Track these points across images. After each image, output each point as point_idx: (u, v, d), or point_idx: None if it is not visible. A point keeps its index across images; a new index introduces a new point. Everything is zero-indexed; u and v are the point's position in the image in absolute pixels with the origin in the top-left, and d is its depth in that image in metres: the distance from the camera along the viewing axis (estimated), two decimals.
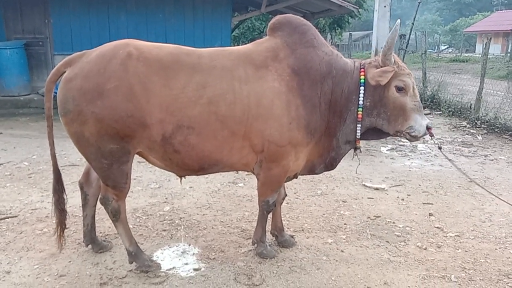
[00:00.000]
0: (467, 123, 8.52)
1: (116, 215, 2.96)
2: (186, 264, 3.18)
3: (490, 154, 6.44)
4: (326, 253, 3.37)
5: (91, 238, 3.28)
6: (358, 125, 2.95)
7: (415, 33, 21.36)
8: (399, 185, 5.02)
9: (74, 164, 5.63)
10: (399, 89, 2.86)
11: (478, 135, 7.64)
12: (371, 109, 2.92)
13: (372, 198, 4.58)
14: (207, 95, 2.72)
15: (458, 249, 3.47)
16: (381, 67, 2.85)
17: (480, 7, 55.76)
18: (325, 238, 3.61)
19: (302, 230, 3.76)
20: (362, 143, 3.11)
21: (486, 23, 39.36)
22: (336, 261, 3.26)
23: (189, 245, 3.46)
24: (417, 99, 2.93)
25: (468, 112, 8.96)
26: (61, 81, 2.74)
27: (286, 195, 3.47)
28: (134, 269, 3.06)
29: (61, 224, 3.02)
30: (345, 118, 2.95)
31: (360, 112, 2.91)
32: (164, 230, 3.71)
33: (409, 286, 2.95)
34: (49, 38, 10.46)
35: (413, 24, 12.90)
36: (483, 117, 8.30)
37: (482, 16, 44.23)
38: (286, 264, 3.19)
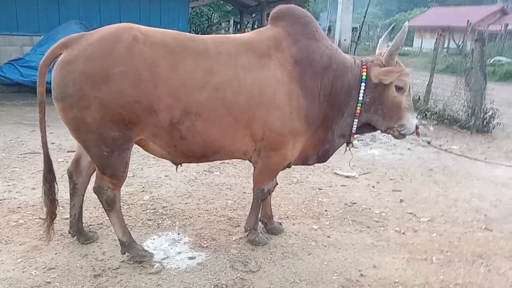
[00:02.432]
0: (418, 114, 9.01)
1: (111, 205, 2.87)
2: (179, 253, 3.15)
3: (443, 144, 6.88)
4: (314, 239, 3.47)
5: (78, 228, 3.15)
6: (355, 120, 3.06)
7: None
8: (367, 173, 5.25)
9: (35, 151, 5.32)
10: (398, 88, 3.00)
11: (430, 126, 8.12)
12: (369, 105, 3.04)
13: (345, 186, 4.76)
14: (214, 82, 2.70)
15: (433, 233, 3.72)
16: (384, 66, 2.96)
17: (417, 2, 58.59)
18: (310, 225, 3.73)
19: (287, 217, 3.85)
20: None
21: (423, 19, 41.44)
22: (325, 246, 3.38)
23: (178, 234, 3.43)
24: (411, 98, 3.10)
25: (418, 104, 9.47)
26: (57, 64, 2.59)
27: (277, 184, 3.53)
28: (127, 259, 2.99)
29: (51, 215, 2.87)
30: (343, 112, 3.05)
31: (359, 108, 3.02)
32: (149, 220, 3.64)
33: (396, 269, 3.13)
34: None
35: (364, 17, 13.35)
36: (432, 109, 8.82)
37: (419, 11, 46.52)
38: (278, 251, 3.26)
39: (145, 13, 10.48)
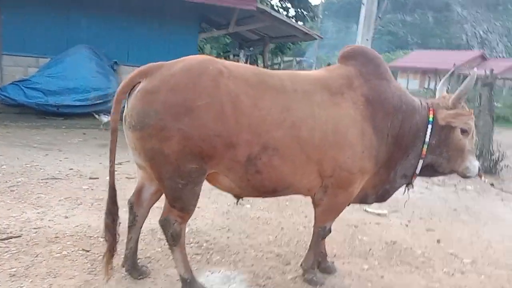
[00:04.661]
0: None
1: (176, 239, 2.76)
2: None
3: (457, 184, 6.94)
4: (368, 280, 3.39)
5: (132, 262, 3.01)
6: (420, 161, 3.06)
7: None
8: (395, 211, 5.22)
9: (56, 177, 5.14)
10: (463, 131, 3.04)
11: None
12: (435, 147, 3.05)
13: (379, 224, 4.72)
14: (291, 118, 2.67)
15: (481, 275, 3.69)
16: (450, 108, 3.00)
17: (398, 44, 60.69)
18: (360, 264, 3.65)
19: (334, 255, 3.76)
20: None
21: (407, 60, 42.78)
22: (382, 287, 3.31)
23: (231, 271, 3.30)
24: (473, 142, 3.13)
25: None
26: (138, 92, 2.52)
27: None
28: None
29: (111, 250, 2.73)
30: (408, 153, 3.04)
31: (425, 149, 3.03)
32: (197, 254, 3.50)
33: None
34: None
35: None
36: None
37: (402, 53, 48.14)
38: None
39: (155, 43, 10.50)
